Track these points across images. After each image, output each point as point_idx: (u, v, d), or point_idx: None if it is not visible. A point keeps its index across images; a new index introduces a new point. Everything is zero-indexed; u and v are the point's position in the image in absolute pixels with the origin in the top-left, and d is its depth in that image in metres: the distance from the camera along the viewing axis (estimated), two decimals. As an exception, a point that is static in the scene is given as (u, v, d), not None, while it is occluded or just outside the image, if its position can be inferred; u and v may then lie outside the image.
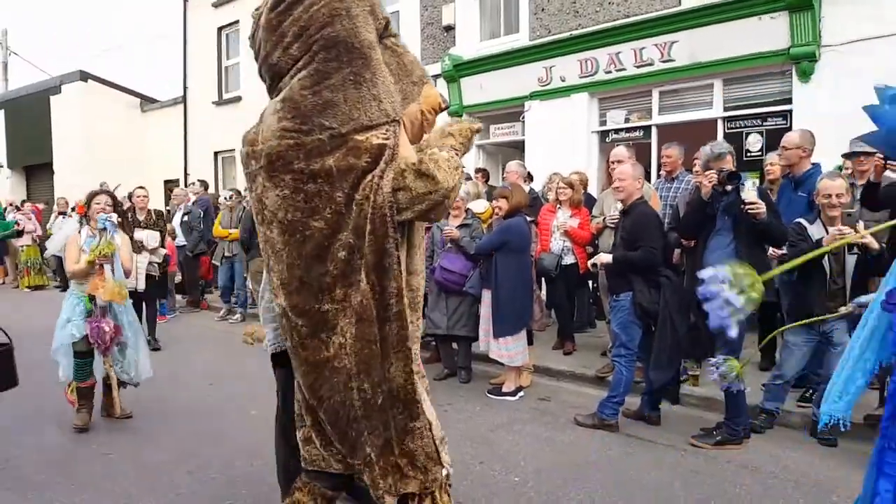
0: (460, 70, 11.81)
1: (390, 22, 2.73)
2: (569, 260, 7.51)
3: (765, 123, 8.90)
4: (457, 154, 2.70)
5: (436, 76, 11.78)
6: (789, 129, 8.08)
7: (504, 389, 6.32)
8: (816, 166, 6.01)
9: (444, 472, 2.77)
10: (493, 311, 6.21)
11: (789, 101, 8.55)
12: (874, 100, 2.54)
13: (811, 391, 5.54)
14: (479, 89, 11.70)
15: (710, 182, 4.87)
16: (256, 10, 2.73)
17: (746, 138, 9.00)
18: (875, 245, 4.73)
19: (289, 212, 2.53)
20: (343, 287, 2.53)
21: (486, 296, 6.38)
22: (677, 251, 6.25)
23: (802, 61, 8.29)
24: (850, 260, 4.96)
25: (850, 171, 6.00)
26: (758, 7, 8.50)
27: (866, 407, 5.27)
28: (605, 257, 5.37)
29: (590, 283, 8.51)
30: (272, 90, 2.71)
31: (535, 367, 6.88)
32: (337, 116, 2.47)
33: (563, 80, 10.66)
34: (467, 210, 6.93)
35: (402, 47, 2.78)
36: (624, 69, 9.95)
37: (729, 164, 5.07)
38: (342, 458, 2.79)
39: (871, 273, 4.97)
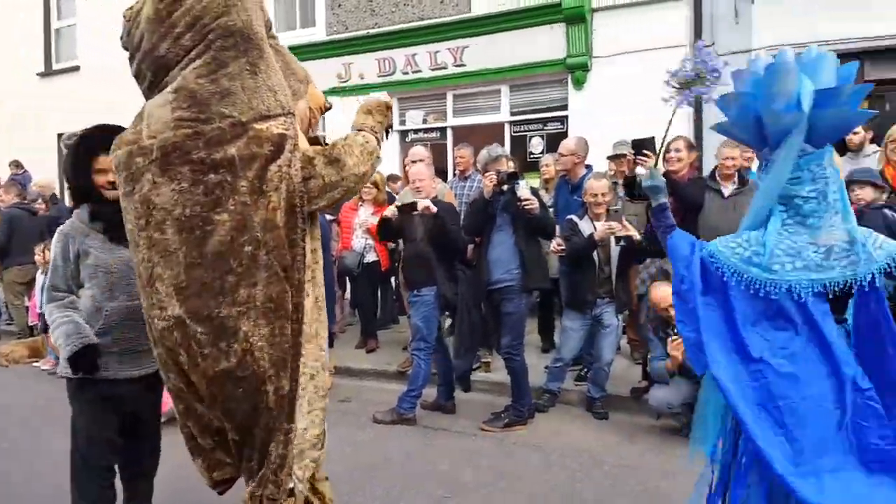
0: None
1: (272, 24, 2.69)
2: (371, 257, 7.64)
3: (545, 128, 9.67)
4: (376, 135, 2.71)
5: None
6: (566, 133, 8.84)
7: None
8: (590, 168, 6.63)
9: (291, 485, 2.57)
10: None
11: (566, 107, 9.33)
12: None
13: (586, 370, 6.11)
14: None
15: (491, 182, 5.23)
16: (129, 9, 2.59)
17: (530, 141, 9.73)
18: (637, 236, 5.34)
19: (187, 206, 2.36)
20: (247, 287, 2.38)
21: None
22: (470, 247, 6.60)
23: (577, 70, 9.09)
24: (615, 251, 5.56)
25: (612, 172, 6.71)
26: (539, 18, 9.17)
27: (631, 381, 5.94)
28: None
29: (392, 279, 8.72)
30: (153, 87, 2.54)
31: (336, 368, 6.94)
32: (236, 105, 2.38)
33: (361, 78, 10.77)
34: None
35: (284, 48, 2.74)
36: (420, 71, 10.27)
37: (504, 166, 5.49)
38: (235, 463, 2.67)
39: (630, 262, 5.66)
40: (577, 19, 8.96)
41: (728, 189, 5.82)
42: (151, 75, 2.55)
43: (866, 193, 4.61)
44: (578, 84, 9.14)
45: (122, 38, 2.68)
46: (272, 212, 2.38)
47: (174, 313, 2.42)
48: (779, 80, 2.37)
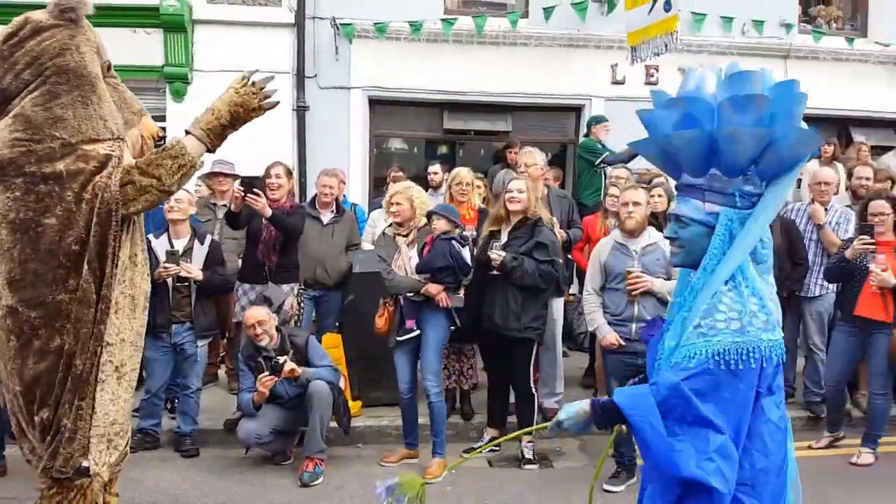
0: None
1: (112, 65, 3.08)
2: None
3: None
4: (208, 135, 3.01)
5: None
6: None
7: None
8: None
9: (86, 464, 2.86)
10: None
11: (164, 118, 8.70)
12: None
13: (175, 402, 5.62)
14: None
15: None
16: None
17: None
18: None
19: (20, 211, 2.79)
20: (76, 277, 2.81)
21: None
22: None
23: (176, 81, 8.56)
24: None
25: (210, 193, 6.41)
26: (134, 20, 8.41)
27: (227, 412, 5.64)
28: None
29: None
30: None
31: None
32: (67, 129, 2.81)
33: None
34: None
35: (122, 85, 3.12)
36: None
37: None
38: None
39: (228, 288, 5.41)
40: (177, 28, 8.44)
41: (327, 217, 5.98)
42: None
43: (441, 225, 5.06)
44: (178, 95, 8.61)
45: None
46: (91, 214, 2.81)
47: (7, 303, 2.83)
48: (751, 87, 1.94)
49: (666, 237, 2.20)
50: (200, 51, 8.68)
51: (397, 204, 4.99)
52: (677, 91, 2.08)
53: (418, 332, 4.87)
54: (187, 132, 3.01)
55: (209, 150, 3.06)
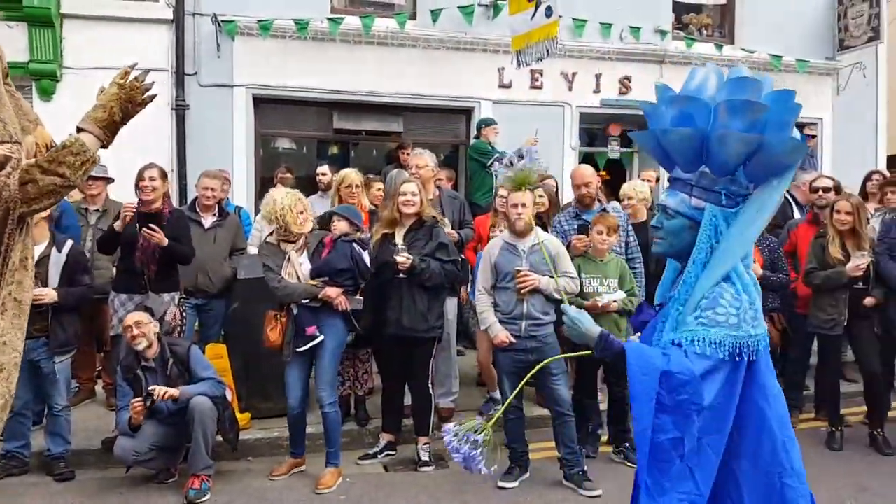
0: None
1: (8, 71, 2.94)
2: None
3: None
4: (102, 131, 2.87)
5: None
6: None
7: None
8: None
9: None
10: None
11: (30, 117, 8.10)
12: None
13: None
14: None
15: None
16: None
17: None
18: None
19: None
20: None
21: None
22: None
23: (43, 79, 8.00)
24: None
25: (83, 197, 6.03)
26: (-6, 10, 7.79)
27: (105, 431, 5.31)
28: None
29: None
30: None
31: None
32: None
33: None
34: None
35: (18, 94, 3.02)
36: None
37: None
38: None
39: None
40: (43, 22, 7.88)
41: (209, 220, 5.74)
42: None
43: (342, 226, 4.96)
44: (45, 94, 8.04)
45: None
46: None
47: None
48: (749, 92, 2.00)
49: (652, 226, 2.28)
50: (70, 47, 8.15)
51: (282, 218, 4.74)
52: (681, 88, 2.16)
53: (322, 337, 4.72)
54: (80, 129, 2.89)
55: (104, 147, 2.95)
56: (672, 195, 2.18)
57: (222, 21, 8.41)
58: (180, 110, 8.41)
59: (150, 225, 5.01)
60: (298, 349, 4.71)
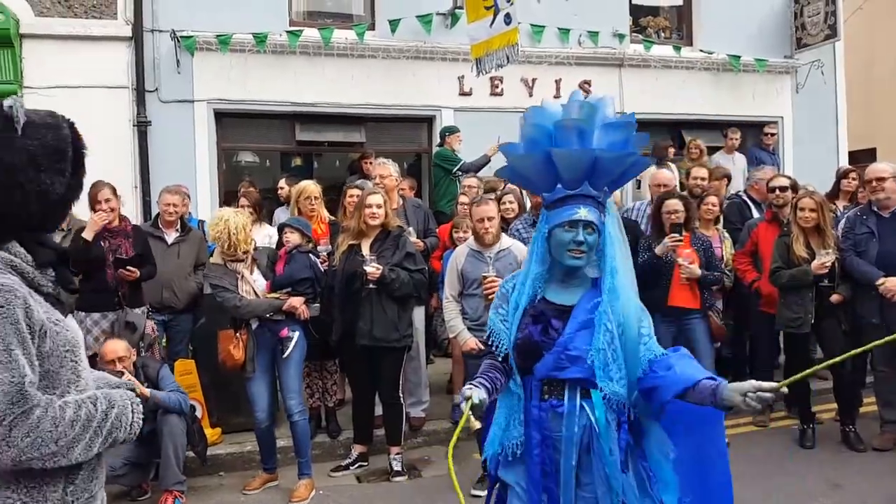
0: None
1: None
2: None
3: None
4: None
5: None
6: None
7: None
8: None
9: None
10: None
11: None
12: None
13: None
14: None
15: None
16: None
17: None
18: None
19: None
20: None
21: None
22: None
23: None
24: None
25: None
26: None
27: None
28: None
29: None
30: None
31: None
32: None
33: None
34: None
35: None
36: None
37: None
38: None
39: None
40: (3, 42, 7.77)
41: (171, 236, 5.70)
42: None
43: (295, 238, 5.01)
44: (0, 115, 7.90)
45: None
46: None
47: None
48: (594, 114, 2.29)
49: (575, 241, 2.35)
50: (31, 66, 8.03)
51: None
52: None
53: (298, 332, 4.77)
54: None
55: None
56: (591, 211, 2.34)
57: (181, 36, 8.35)
58: (142, 126, 8.32)
59: (127, 267, 5.19)
60: (284, 355, 4.73)
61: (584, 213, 2.32)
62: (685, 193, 6.06)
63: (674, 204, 5.42)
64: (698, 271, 5.32)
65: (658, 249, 5.32)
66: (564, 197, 2.34)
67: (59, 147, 1.74)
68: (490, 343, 2.51)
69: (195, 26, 8.41)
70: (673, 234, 5.27)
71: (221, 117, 8.90)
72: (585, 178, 2.31)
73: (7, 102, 1.67)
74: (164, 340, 5.87)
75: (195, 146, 8.61)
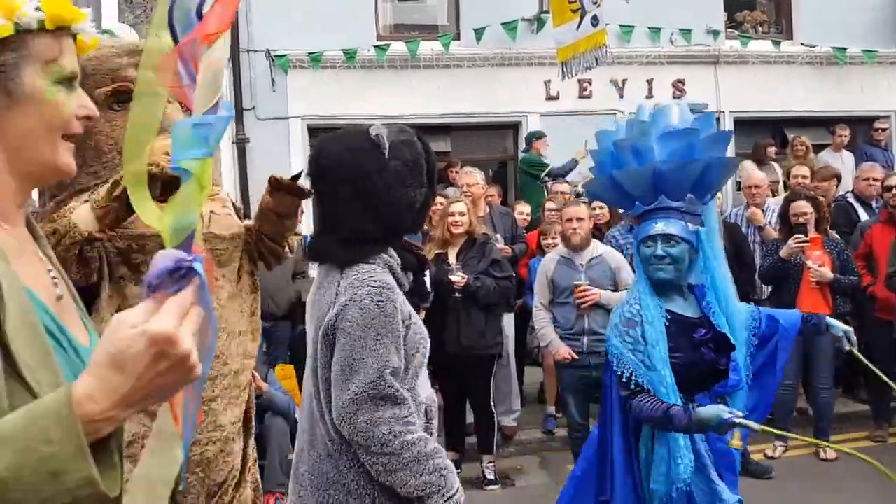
0: None
1: None
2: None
3: None
4: None
5: None
6: None
7: None
8: None
9: None
10: None
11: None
12: None
13: None
14: None
15: None
16: None
17: None
18: None
19: None
20: None
21: None
22: None
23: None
24: None
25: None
26: None
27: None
28: None
29: None
30: None
31: None
32: None
33: None
34: None
35: None
36: None
37: None
38: None
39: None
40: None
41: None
42: None
43: None
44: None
45: None
46: None
47: None
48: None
49: (655, 256, 2.35)
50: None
51: None
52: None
53: None
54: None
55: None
56: (673, 223, 2.31)
57: (275, 56, 8.69)
58: (241, 144, 8.70)
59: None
60: None
61: (660, 226, 2.31)
62: (812, 193, 5.72)
63: (801, 205, 5.18)
64: (830, 274, 5.02)
65: (783, 252, 5.09)
66: (645, 211, 2.36)
67: (417, 161, 1.97)
68: (624, 377, 2.34)
69: (288, 45, 8.71)
70: (797, 236, 5.03)
71: (315, 133, 9.16)
72: (657, 191, 2.30)
73: (373, 131, 1.90)
74: (264, 346, 6.07)
75: (290, 161, 8.89)
